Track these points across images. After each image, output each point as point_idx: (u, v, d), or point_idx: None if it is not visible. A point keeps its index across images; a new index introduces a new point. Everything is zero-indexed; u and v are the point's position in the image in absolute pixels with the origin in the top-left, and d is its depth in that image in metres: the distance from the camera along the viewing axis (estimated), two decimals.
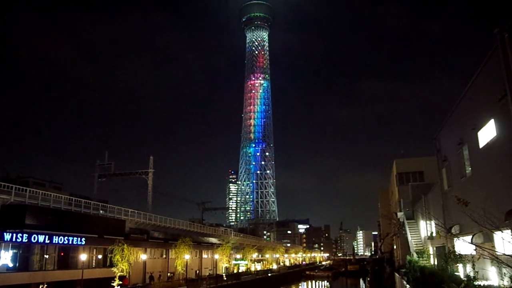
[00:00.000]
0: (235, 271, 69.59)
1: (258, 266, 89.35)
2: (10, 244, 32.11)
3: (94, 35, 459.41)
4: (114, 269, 38.04)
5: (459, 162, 17.89)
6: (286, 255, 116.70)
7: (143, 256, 45.39)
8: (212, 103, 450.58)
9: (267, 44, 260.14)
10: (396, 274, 37.74)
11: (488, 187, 14.15)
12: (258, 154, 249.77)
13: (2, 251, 31.64)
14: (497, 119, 12.87)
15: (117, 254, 38.27)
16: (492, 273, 13.76)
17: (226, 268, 66.20)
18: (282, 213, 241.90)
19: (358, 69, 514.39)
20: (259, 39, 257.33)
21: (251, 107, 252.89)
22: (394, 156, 53.61)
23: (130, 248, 39.70)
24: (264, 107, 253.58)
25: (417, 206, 31.47)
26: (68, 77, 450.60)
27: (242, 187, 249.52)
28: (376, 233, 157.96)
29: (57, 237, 35.05)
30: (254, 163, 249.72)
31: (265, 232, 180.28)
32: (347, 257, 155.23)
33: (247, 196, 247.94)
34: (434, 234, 24.64)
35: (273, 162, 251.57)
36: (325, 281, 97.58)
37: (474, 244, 12.64)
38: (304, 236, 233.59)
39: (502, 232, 10.61)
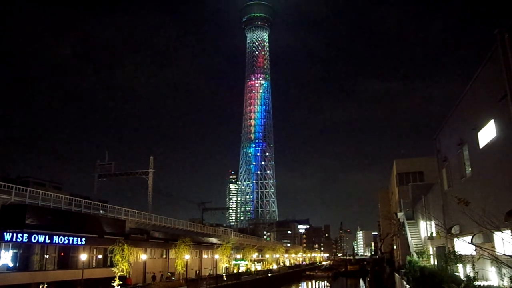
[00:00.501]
0: (235, 271, 69.56)
1: (258, 266, 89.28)
2: (11, 244, 32.09)
3: (94, 35, 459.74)
4: (114, 269, 38.04)
5: (459, 163, 17.89)
6: (286, 255, 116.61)
7: (143, 256, 45.42)
8: (212, 103, 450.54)
9: (267, 44, 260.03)
10: (396, 274, 37.70)
11: (488, 187, 14.14)
12: (258, 154, 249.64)
13: (3, 251, 31.64)
14: (497, 120, 12.86)
15: (117, 254, 38.28)
16: (492, 274, 13.76)
17: (226, 268, 66.18)
18: (282, 213, 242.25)
19: (358, 69, 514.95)
20: (259, 39, 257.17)
21: (251, 107, 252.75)
22: (394, 156, 53.77)
23: (130, 248, 39.70)
24: (264, 107, 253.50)
25: (417, 206, 31.46)
26: (68, 77, 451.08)
27: (242, 187, 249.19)
28: (376, 233, 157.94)
29: (57, 237, 35.03)
30: (254, 163, 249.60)
31: (265, 232, 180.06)
32: (347, 257, 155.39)
33: (247, 196, 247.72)
34: (434, 234, 24.63)
35: (273, 162, 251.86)
36: (325, 281, 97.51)
37: (474, 245, 12.66)
38: (304, 236, 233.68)
39: (502, 232, 10.61)
